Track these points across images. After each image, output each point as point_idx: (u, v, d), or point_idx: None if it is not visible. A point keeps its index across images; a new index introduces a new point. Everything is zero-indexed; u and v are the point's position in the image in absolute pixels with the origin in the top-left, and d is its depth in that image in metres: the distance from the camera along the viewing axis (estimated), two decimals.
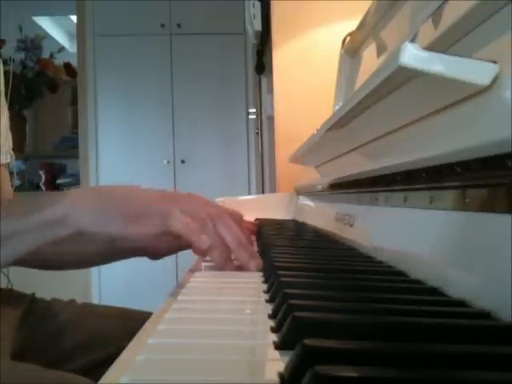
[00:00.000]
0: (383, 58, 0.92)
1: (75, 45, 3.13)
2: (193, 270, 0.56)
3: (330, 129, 0.71)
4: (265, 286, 0.45)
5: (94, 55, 3.04)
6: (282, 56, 1.67)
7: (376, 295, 0.37)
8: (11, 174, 0.97)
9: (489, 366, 0.23)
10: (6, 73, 0.98)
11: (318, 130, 0.84)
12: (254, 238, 0.83)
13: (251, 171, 3.07)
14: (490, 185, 0.35)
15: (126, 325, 0.71)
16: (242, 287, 0.48)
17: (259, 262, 0.56)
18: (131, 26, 3.03)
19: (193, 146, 3.05)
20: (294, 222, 1.23)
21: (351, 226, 0.72)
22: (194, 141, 3.05)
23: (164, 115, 3.05)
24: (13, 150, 0.88)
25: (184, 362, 0.27)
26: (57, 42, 3.82)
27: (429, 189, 0.45)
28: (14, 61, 3.09)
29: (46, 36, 3.51)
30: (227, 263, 0.56)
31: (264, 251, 0.63)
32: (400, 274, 0.48)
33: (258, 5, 1.97)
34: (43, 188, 3.30)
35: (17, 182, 3.09)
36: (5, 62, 2.86)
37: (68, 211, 0.56)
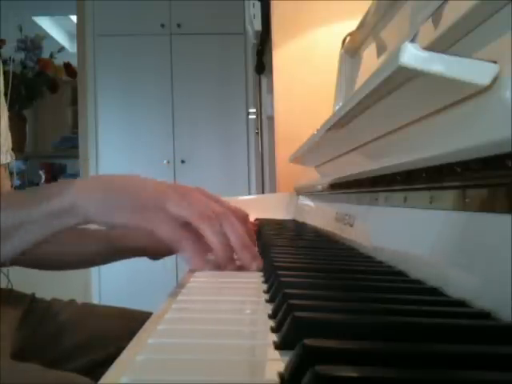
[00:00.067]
0: (383, 58, 0.92)
1: (75, 45, 3.13)
2: (193, 270, 0.56)
3: (329, 129, 0.71)
4: (265, 286, 0.45)
5: (94, 55, 3.04)
6: (282, 56, 1.67)
7: (376, 295, 0.37)
8: (11, 173, 0.97)
9: (489, 366, 0.23)
10: (5, 73, 0.98)
11: (317, 130, 0.84)
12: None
13: (251, 171, 3.06)
14: (490, 185, 0.35)
15: (126, 325, 0.71)
16: (241, 287, 0.48)
17: (260, 263, 0.56)
18: (131, 26, 3.03)
19: (193, 145, 3.05)
20: (294, 222, 1.23)
21: (351, 226, 0.72)
22: (194, 141, 3.05)
23: (164, 115, 3.05)
24: (13, 149, 0.88)
25: (184, 362, 0.27)
26: (57, 42, 3.82)
27: (429, 189, 0.45)
28: (14, 61, 3.09)
29: (46, 36, 3.51)
30: (229, 263, 0.56)
31: (264, 251, 0.63)
32: (400, 274, 0.48)
33: (257, 5, 1.97)
34: None
35: (17, 182, 3.09)
36: (5, 62, 2.86)
37: (75, 200, 0.56)
